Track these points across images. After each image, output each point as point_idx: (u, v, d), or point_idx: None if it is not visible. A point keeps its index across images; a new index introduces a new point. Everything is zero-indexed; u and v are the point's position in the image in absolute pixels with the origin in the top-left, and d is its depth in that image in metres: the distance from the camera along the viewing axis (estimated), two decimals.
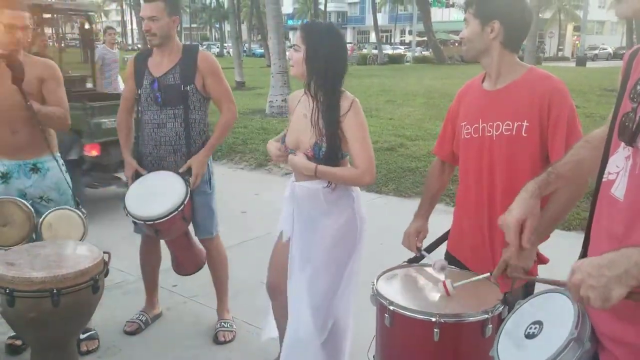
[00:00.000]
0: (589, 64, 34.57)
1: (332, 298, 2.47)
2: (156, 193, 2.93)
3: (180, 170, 3.00)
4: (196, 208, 3.09)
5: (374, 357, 2.08)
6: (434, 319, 1.77)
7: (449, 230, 2.30)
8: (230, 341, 3.20)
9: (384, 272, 2.09)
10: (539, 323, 1.36)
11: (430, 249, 2.28)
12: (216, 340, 3.19)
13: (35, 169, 2.95)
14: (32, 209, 2.81)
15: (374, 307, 1.98)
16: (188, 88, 2.97)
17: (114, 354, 3.07)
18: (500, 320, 1.79)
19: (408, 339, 1.89)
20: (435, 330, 1.77)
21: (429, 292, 2.00)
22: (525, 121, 1.94)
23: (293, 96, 2.60)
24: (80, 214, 2.85)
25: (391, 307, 1.85)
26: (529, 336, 1.36)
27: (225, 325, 3.27)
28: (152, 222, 2.87)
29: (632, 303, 1.19)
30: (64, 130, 3.10)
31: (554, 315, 1.34)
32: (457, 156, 2.22)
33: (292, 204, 2.51)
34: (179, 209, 2.87)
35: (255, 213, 5.31)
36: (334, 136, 2.34)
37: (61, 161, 3.07)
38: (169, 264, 3.37)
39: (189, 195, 2.92)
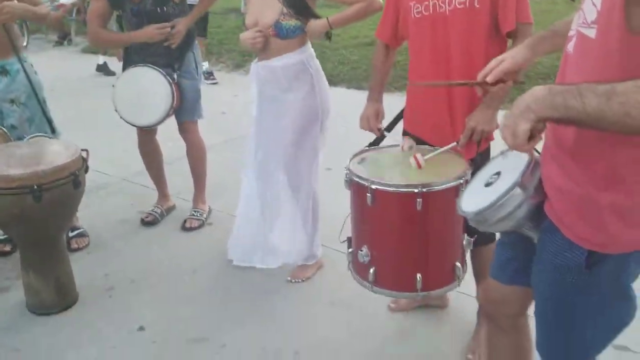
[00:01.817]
0: None
1: (305, 171, 2.66)
2: (144, 97, 3.03)
3: (168, 25, 2.98)
4: (184, 91, 3.15)
5: (347, 238, 2.16)
6: (416, 190, 1.85)
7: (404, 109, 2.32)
8: (195, 228, 3.32)
9: (353, 157, 2.13)
10: (498, 174, 1.46)
11: (389, 128, 2.31)
12: (183, 226, 3.34)
13: (4, 71, 2.87)
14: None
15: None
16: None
17: (102, 250, 3.16)
18: None
19: (391, 213, 1.96)
20: (418, 200, 1.85)
21: (400, 169, 2.07)
22: None
23: None
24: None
25: (373, 186, 1.90)
26: (487, 184, 1.47)
27: (196, 215, 3.39)
28: (148, 128, 3.19)
29: (564, 151, 1.28)
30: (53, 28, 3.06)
31: (511, 167, 1.42)
32: (401, 38, 2.23)
33: (257, 85, 2.63)
34: (170, 112, 3.05)
35: (235, 114, 5.27)
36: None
37: (29, 61, 2.98)
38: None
39: (175, 93, 3.01)
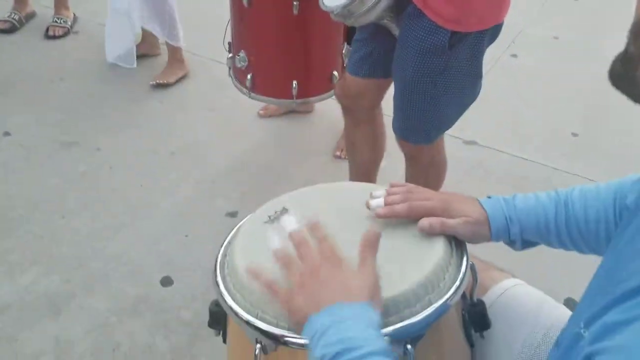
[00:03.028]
0: None
1: None
2: None
3: None
4: None
5: (229, 43, 2.13)
6: None
7: None
8: (60, 36, 3.12)
9: None
10: None
11: None
12: (46, 35, 3.11)
13: None
14: None
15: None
16: None
17: None
18: None
19: (268, 17, 1.94)
20: (294, 3, 1.84)
21: None
22: None
23: None
24: None
25: None
26: None
27: (59, 22, 3.14)
28: None
29: None
30: None
31: None
32: None
33: None
34: None
35: None
36: None
37: None
38: None
39: None
